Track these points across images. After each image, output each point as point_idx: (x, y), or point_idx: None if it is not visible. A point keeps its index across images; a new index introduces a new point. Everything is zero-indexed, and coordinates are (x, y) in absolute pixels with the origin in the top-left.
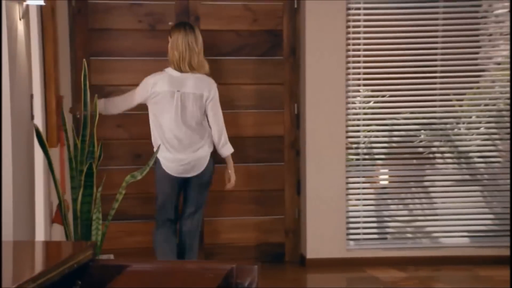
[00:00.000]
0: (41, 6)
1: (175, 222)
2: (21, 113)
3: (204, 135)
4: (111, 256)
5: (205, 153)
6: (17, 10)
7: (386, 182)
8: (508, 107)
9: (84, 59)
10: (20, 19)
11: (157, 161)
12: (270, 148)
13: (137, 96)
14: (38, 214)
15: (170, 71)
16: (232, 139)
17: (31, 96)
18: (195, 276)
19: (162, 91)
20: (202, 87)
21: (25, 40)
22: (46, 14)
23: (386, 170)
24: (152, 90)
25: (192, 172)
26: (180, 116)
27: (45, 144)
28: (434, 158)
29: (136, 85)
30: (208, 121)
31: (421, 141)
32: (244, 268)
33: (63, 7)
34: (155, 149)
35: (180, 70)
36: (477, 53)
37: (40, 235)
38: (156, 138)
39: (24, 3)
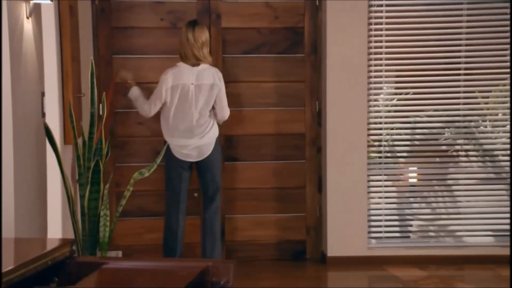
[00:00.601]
0: (59, 4)
1: (180, 209)
2: (28, 111)
3: (211, 121)
4: (119, 253)
5: (210, 139)
6: (23, 9)
7: (408, 180)
8: None
9: (91, 58)
10: (27, 18)
11: (167, 146)
12: (291, 146)
13: (159, 97)
14: (55, 210)
15: (181, 65)
16: (253, 137)
17: (42, 94)
18: (169, 274)
19: (178, 84)
20: (212, 78)
21: (34, 38)
22: (64, 12)
23: (408, 168)
24: (169, 85)
25: (199, 157)
26: (194, 106)
27: (54, 141)
28: (458, 156)
29: (158, 83)
30: (214, 107)
31: (445, 139)
32: (220, 267)
33: (86, 6)
34: (165, 137)
35: (189, 63)
36: (505, 49)
37: (57, 231)
38: (167, 127)
39: (31, 2)
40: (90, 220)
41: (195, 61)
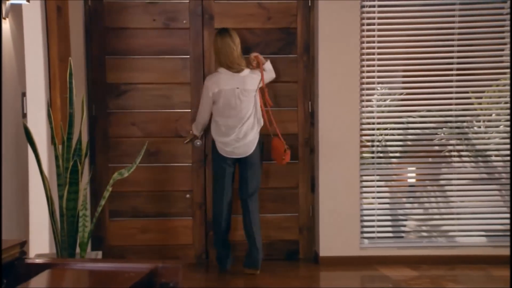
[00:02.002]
0: (45, 5)
1: (230, 202)
2: (7, 112)
3: (255, 122)
4: (99, 254)
5: (253, 138)
6: (0, 10)
7: (407, 180)
8: None
9: (70, 58)
10: (4, 18)
11: (213, 144)
12: None
13: (207, 103)
14: (43, 210)
15: (223, 71)
16: None
17: (23, 94)
18: (116, 275)
19: (223, 89)
20: (254, 83)
21: (13, 39)
22: (51, 13)
23: (401, 169)
24: (214, 90)
25: (244, 154)
26: (238, 109)
27: (33, 141)
28: (451, 156)
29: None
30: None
31: (438, 140)
32: (169, 268)
33: (78, 7)
34: (213, 136)
35: (230, 68)
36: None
37: (44, 232)
38: (215, 127)
39: (8, 2)
40: (68, 221)
41: (238, 66)
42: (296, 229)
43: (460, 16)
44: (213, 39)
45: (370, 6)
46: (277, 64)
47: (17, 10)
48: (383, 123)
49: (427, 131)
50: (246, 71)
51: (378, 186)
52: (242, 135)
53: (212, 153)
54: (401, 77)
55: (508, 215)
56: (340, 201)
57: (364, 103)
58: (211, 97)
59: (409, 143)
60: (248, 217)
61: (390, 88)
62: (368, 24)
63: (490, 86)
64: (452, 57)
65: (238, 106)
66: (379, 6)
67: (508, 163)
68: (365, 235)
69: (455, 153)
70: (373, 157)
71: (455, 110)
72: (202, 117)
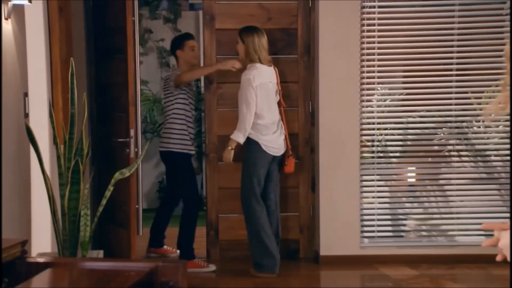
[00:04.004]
0: (47, 5)
1: (262, 202)
2: (8, 112)
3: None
4: (101, 253)
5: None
6: (1, 10)
7: (401, 180)
8: None
9: (71, 58)
10: (5, 19)
11: (253, 144)
12: None
13: (253, 96)
14: (43, 210)
15: (259, 65)
16: None
17: (25, 94)
18: (116, 274)
19: (261, 83)
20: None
21: (15, 39)
22: (53, 14)
23: (401, 168)
24: (257, 83)
25: (282, 150)
26: (274, 103)
27: (35, 141)
28: (450, 156)
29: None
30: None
31: (437, 139)
32: (169, 267)
33: (78, 7)
34: (254, 134)
35: (268, 62)
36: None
37: (45, 232)
38: (256, 125)
39: (10, 3)
40: (70, 220)
41: (267, 62)
42: (297, 228)
43: (459, 16)
44: (246, 34)
45: (370, 7)
46: (278, 65)
47: (19, 10)
48: (383, 123)
49: (426, 131)
50: (273, 66)
51: (378, 186)
52: (280, 131)
53: (252, 153)
54: (401, 77)
55: (507, 215)
56: (341, 200)
57: (364, 103)
58: (254, 90)
59: (409, 143)
60: (276, 216)
61: (390, 88)
62: (368, 25)
63: (490, 86)
64: (451, 58)
65: (275, 100)
66: (379, 6)
67: (507, 163)
68: (365, 234)
69: (455, 153)
70: (373, 157)
71: (455, 110)
72: (251, 115)
